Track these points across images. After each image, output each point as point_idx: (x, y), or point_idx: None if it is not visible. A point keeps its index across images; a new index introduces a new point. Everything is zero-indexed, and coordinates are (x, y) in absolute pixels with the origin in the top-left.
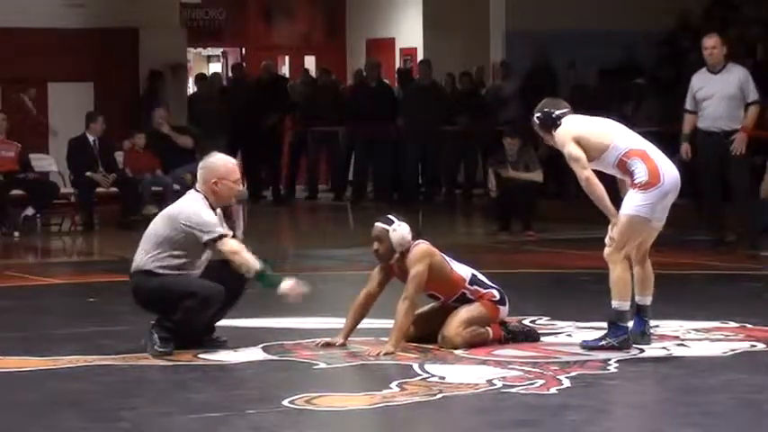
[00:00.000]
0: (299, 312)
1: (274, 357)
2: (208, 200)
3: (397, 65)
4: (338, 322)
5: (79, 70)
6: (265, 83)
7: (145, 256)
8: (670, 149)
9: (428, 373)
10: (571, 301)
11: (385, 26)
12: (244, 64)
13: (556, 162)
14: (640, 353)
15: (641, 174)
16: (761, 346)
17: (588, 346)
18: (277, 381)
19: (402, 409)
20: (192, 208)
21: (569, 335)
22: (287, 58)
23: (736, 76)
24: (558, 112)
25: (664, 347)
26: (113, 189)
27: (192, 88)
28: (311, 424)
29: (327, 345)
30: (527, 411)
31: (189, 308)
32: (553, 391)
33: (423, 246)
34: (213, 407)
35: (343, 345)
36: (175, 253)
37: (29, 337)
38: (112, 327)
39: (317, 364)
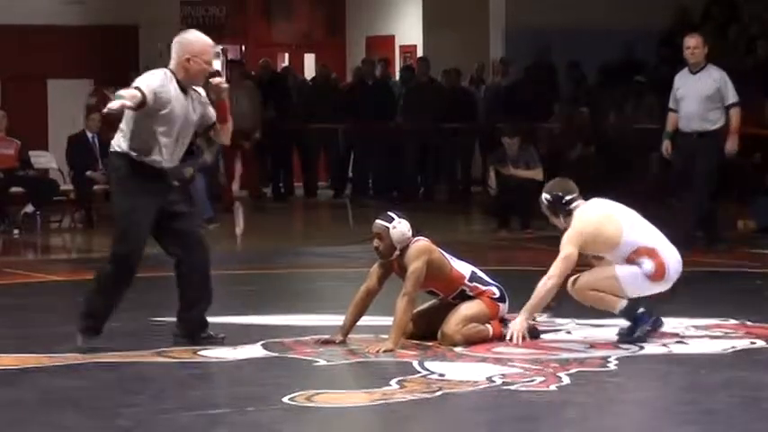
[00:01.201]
0: (299, 309)
1: (274, 354)
2: (176, 76)
3: (397, 62)
4: (338, 319)
5: (79, 67)
6: (264, 80)
7: (117, 133)
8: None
9: (428, 370)
10: (570, 299)
11: (385, 23)
12: (243, 61)
13: (556, 160)
14: (640, 350)
15: (648, 267)
16: (761, 343)
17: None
18: (277, 378)
19: (402, 407)
20: (143, 76)
21: (569, 332)
22: (287, 55)
23: (713, 78)
24: (568, 198)
25: (664, 345)
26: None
27: None
28: (311, 421)
29: (327, 342)
30: (527, 408)
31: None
32: (553, 388)
33: (421, 242)
34: (212, 404)
35: (342, 342)
36: (132, 128)
37: (28, 335)
38: (112, 324)
39: (317, 362)
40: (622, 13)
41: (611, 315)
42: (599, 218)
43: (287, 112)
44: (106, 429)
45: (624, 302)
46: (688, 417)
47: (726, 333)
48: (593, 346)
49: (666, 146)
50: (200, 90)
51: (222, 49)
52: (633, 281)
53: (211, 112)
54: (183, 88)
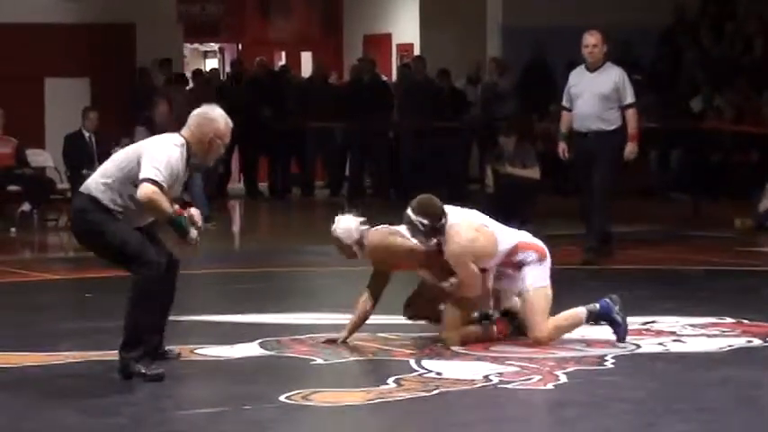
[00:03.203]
0: (296, 308)
1: (271, 353)
2: (190, 150)
3: (394, 60)
4: (334, 318)
5: (75, 66)
6: (260, 79)
7: (100, 178)
8: (667, 144)
9: (425, 368)
10: (568, 297)
11: (381, 22)
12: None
13: (553, 158)
14: (637, 348)
15: (533, 256)
16: (757, 341)
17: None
18: (274, 376)
19: (399, 405)
20: (165, 149)
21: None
22: (283, 53)
23: (611, 77)
24: (443, 221)
25: (660, 343)
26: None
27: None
28: (308, 420)
29: (330, 341)
30: (524, 407)
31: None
32: (550, 386)
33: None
34: (210, 402)
35: (344, 341)
36: (128, 189)
37: (26, 333)
38: (109, 322)
39: (314, 360)
40: (620, 11)
41: None
42: (475, 233)
43: (283, 111)
44: (105, 427)
45: (583, 310)
46: (685, 415)
47: (722, 332)
48: (590, 344)
49: (563, 148)
50: None
51: (219, 48)
52: (539, 275)
53: None
54: (188, 163)
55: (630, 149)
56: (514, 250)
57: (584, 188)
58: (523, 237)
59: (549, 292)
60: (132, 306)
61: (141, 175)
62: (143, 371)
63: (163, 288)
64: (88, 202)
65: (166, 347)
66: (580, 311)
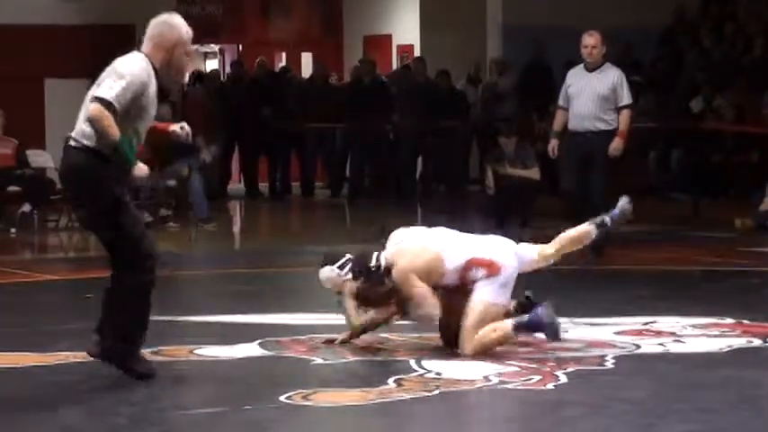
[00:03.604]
0: (296, 308)
1: (271, 353)
2: (154, 66)
3: (394, 61)
4: (334, 318)
5: (76, 67)
6: (260, 79)
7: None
8: (667, 145)
9: (425, 368)
10: (567, 297)
11: (382, 23)
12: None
13: (553, 159)
14: (637, 349)
15: (482, 272)
16: (757, 342)
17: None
18: (273, 377)
19: (399, 405)
20: (126, 66)
21: (566, 330)
22: (284, 54)
23: (610, 78)
24: (381, 262)
25: (661, 344)
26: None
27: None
28: (308, 420)
29: (329, 341)
30: (524, 407)
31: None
32: (550, 386)
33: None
34: (209, 403)
35: (343, 342)
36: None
37: (26, 334)
38: None
39: (314, 360)
40: (620, 12)
41: (608, 314)
42: (414, 255)
43: (283, 112)
44: (104, 427)
45: (508, 323)
46: (685, 415)
47: (723, 332)
48: (590, 344)
49: (554, 145)
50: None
51: (219, 49)
52: (486, 291)
53: None
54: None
55: (615, 146)
56: (468, 266)
57: (577, 188)
58: (479, 252)
59: (494, 308)
60: (131, 308)
61: (95, 94)
62: (137, 368)
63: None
64: (79, 155)
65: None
66: (507, 323)
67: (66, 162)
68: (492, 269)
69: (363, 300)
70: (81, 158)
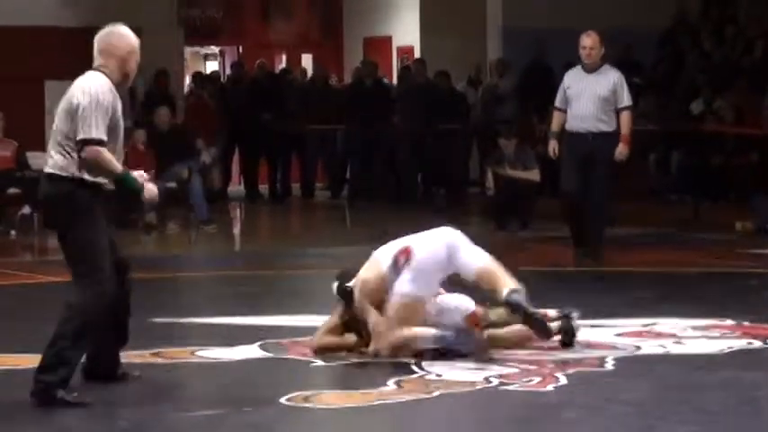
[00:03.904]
0: (297, 310)
1: (271, 355)
2: (111, 81)
3: (395, 63)
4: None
5: (76, 69)
6: (261, 81)
7: (56, 149)
8: (667, 147)
9: (425, 370)
10: (568, 299)
11: (382, 24)
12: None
13: (553, 161)
14: (637, 350)
15: (402, 261)
16: (757, 343)
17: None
18: (274, 379)
19: (399, 407)
20: (93, 93)
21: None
22: (284, 56)
23: (610, 79)
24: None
25: (661, 345)
26: (110, 187)
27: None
28: (308, 422)
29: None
30: (524, 409)
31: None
32: (550, 388)
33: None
34: (210, 405)
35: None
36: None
37: (26, 335)
38: None
39: (314, 362)
40: (620, 13)
41: (609, 316)
42: (363, 277)
43: (284, 114)
44: (105, 430)
45: (430, 332)
46: (685, 417)
47: (723, 333)
48: (590, 346)
49: (554, 146)
50: None
51: (219, 51)
52: (398, 285)
53: None
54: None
55: (621, 151)
56: (395, 261)
57: (577, 189)
58: (403, 242)
59: (405, 300)
60: (67, 336)
61: (80, 136)
62: (66, 398)
63: (116, 301)
64: (61, 184)
65: (126, 371)
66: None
67: (47, 191)
68: (406, 255)
69: (346, 324)
70: (64, 187)
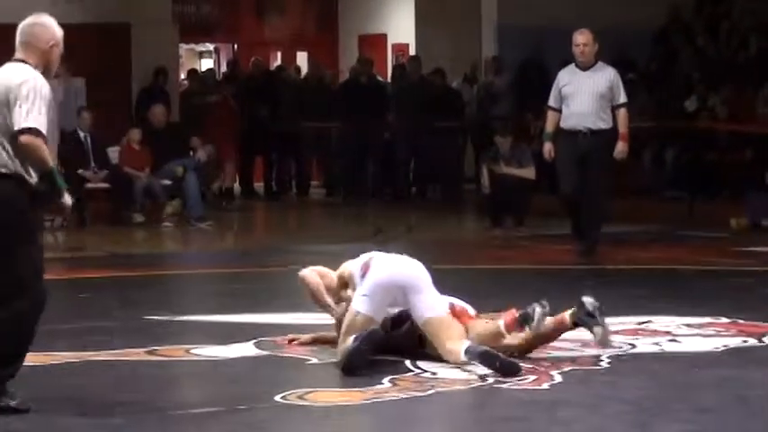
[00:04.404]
0: (292, 308)
1: (266, 353)
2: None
3: (389, 60)
4: (329, 318)
5: (72, 66)
6: (256, 78)
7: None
8: (661, 144)
9: (420, 368)
10: (564, 297)
11: (377, 22)
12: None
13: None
14: (632, 348)
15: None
16: (753, 341)
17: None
18: (269, 376)
19: (394, 405)
20: (36, 82)
21: None
22: (279, 53)
23: (605, 76)
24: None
25: (656, 343)
26: (105, 185)
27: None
28: (303, 420)
29: (292, 340)
30: (519, 407)
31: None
32: (545, 386)
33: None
34: (205, 403)
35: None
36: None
37: None
38: (104, 322)
39: (310, 360)
40: (614, 10)
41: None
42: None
43: (279, 111)
44: (100, 428)
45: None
46: (680, 415)
47: (718, 331)
48: (585, 344)
49: (549, 148)
50: None
51: (214, 48)
52: (359, 299)
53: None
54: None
55: (620, 149)
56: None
57: (574, 187)
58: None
59: (356, 317)
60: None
61: (22, 125)
62: (11, 403)
63: None
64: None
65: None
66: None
67: None
68: (365, 269)
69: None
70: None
